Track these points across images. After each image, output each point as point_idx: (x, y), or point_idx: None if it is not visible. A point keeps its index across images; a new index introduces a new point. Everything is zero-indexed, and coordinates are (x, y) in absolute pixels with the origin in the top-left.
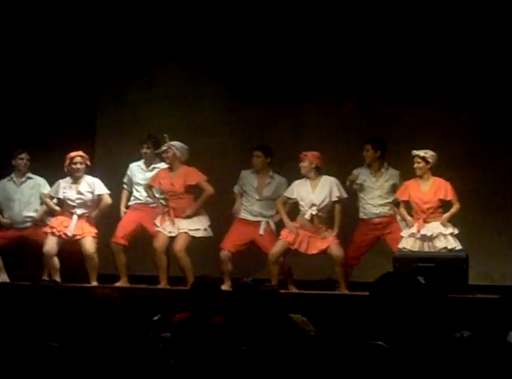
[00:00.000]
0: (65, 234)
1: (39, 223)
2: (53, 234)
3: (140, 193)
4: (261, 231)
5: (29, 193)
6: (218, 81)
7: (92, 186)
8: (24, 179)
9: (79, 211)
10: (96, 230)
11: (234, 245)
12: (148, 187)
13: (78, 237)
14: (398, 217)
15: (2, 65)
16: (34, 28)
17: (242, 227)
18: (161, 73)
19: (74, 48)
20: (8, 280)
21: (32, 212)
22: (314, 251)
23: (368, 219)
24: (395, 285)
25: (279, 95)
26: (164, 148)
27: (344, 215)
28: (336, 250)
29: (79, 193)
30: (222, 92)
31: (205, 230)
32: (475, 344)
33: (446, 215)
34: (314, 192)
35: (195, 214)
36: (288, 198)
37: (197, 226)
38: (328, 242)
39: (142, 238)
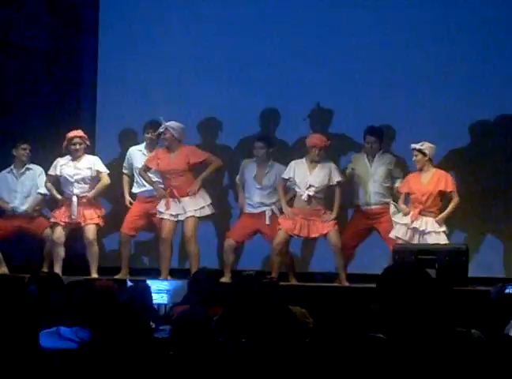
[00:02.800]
0: (68, 222)
1: (33, 213)
2: (57, 223)
3: (141, 178)
4: (267, 221)
5: (30, 184)
6: (219, 68)
7: (92, 164)
8: (23, 170)
9: (77, 189)
10: (99, 213)
11: (239, 234)
12: (144, 169)
13: (82, 224)
14: (391, 209)
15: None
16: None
17: (247, 220)
18: (162, 60)
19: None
20: (7, 272)
21: (31, 202)
22: (315, 234)
23: (363, 207)
24: (404, 277)
25: (277, 85)
26: (161, 130)
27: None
28: (334, 238)
29: (77, 168)
30: (223, 81)
31: (208, 206)
32: (474, 338)
33: (443, 214)
34: (311, 173)
35: (198, 189)
36: (286, 180)
37: (202, 203)
38: (328, 226)
39: (143, 230)
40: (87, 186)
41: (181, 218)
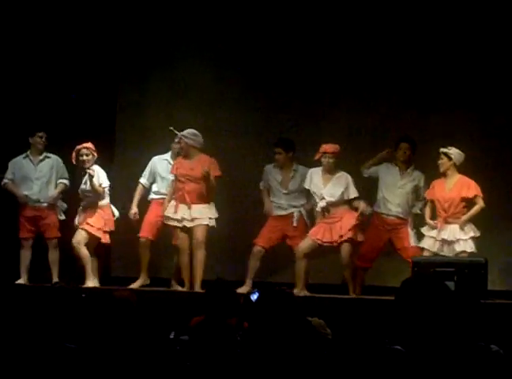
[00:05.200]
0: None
1: (52, 203)
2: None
3: (162, 186)
4: (295, 223)
5: (49, 173)
6: (240, 82)
7: (97, 176)
8: (41, 158)
9: (84, 201)
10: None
11: (267, 240)
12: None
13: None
14: (409, 227)
15: (19, 65)
16: (53, 28)
17: (274, 223)
18: (182, 73)
19: (95, 49)
20: (27, 283)
21: (52, 191)
22: (337, 238)
23: (383, 214)
24: (422, 290)
25: (301, 96)
26: (176, 140)
27: None
28: (345, 250)
29: (84, 183)
30: (244, 93)
31: (216, 219)
32: (493, 352)
33: (465, 216)
34: (325, 186)
35: (208, 201)
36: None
37: (210, 214)
38: (347, 232)
39: (161, 239)
40: (90, 198)
41: (186, 223)
